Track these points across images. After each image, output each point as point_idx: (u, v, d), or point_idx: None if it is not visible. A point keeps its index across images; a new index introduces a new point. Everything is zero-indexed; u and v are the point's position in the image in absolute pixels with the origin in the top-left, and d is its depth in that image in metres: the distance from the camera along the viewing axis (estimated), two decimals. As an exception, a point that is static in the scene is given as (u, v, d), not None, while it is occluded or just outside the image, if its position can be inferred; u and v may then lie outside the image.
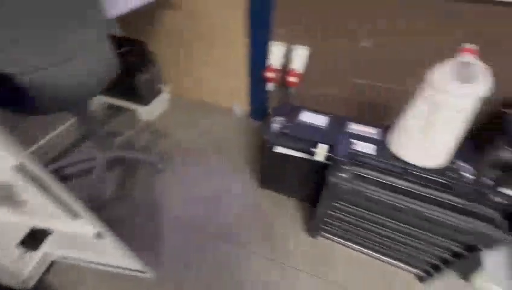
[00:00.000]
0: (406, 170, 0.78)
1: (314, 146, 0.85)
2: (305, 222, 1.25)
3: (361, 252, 1.14)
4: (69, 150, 1.57)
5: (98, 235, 0.70)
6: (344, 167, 0.80)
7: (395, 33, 1.17)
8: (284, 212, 1.30)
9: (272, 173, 1.24)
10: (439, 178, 0.74)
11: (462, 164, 0.91)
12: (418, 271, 1.06)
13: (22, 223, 0.79)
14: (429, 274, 1.01)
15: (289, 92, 1.50)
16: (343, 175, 0.82)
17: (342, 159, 0.76)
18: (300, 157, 0.98)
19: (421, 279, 1.05)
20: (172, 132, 1.73)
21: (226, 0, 1.36)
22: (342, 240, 1.15)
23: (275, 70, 1.40)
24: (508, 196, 0.69)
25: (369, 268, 1.11)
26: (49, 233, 0.83)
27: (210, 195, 1.36)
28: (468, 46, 0.78)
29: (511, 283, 1.00)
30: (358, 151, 0.93)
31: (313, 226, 1.15)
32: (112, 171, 1.46)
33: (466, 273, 1.06)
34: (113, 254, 0.93)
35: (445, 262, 0.92)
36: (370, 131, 1.06)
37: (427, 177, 0.77)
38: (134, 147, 1.60)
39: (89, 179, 1.35)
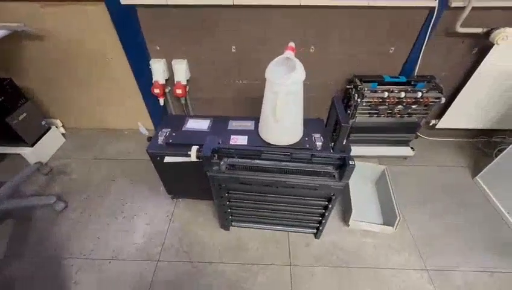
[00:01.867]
0: (266, 152, 0.94)
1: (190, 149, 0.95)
2: (218, 218, 1.35)
3: (266, 229, 1.29)
4: None
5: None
6: (214, 161, 0.92)
7: (254, 39, 1.37)
8: (199, 215, 1.37)
9: (174, 182, 1.30)
10: (293, 152, 0.92)
11: (315, 135, 1.14)
12: (312, 230, 1.26)
13: None
14: (318, 229, 1.22)
15: (181, 103, 1.58)
16: (216, 167, 0.93)
17: (209, 155, 0.88)
18: (187, 161, 1.07)
19: (315, 235, 1.26)
20: (73, 167, 1.62)
21: (94, 28, 1.36)
22: (249, 224, 1.29)
23: (161, 86, 1.46)
24: (338, 154, 0.91)
25: (275, 239, 1.27)
26: None
27: (123, 222, 1.34)
28: (290, 44, 0.98)
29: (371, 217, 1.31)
30: (231, 144, 1.07)
31: (222, 220, 1.26)
32: (1, 227, 1.30)
33: (345, 218, 1.33)
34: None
35: (323, 215, 1.13)
36: (246, 124, 1.22)
37: (282, 154, 0.94)
38: (24, 195, 1.44)
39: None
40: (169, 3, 1.21)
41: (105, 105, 1.76)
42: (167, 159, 1.11)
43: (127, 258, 1.20)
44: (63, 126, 1.83)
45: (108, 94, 1.69)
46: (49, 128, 1.67)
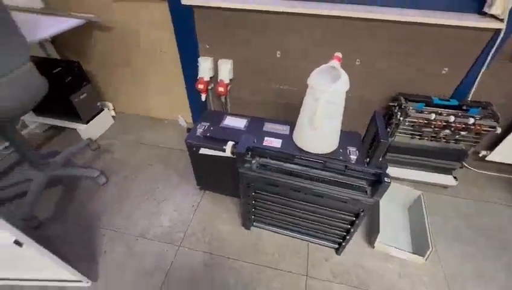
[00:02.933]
0: (300, 157, 0.94)
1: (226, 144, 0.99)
2: (240, 216, 1.37)
3: (286, 235, 1.28)
4: (4, 173, 1.55)
5: (17, 243, 0.75)
6: (247, 158, 0.94)
7: (299, 46, 1.39)
8: (223, 210, 1.41)
9: (204, 174, 1.36)
10: (327, 161, 0.92)
11: (350, 148, 1.12)
12: (334, 245, 1.23)
13: None
14: (341, 245, 1.18)
15: (221, 101, 1.65)
16: (248, 165, 0.96)
17: (243, 152, 0.91)
18: (220, 156, 1.12)
19: (337, 251, 1.22)
20: (117, 148, 1.78)
21: (154, 23, 1.49)
22: (270, 227, 1.29)
23: (205, 82, 1.54)
24: (373, 170, 0.88)
25: (294, 247, 1.25)
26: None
27: (153, 204, 1.43)
28: (336, 54, 0.98)
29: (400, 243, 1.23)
30: (265, 145, 1.10)
31: (245, 219, 1.28)
32: (50, 191, 1.46)
33: (370, 239, 1.26)
34: (44, 267, 0.96)
35: (348, 232, 1.10)
36: (281, 128, 1.23)
37: (316, 161, 0.94)
38: (74, 165, 1.61)
39: (23, 200, 1.34)
40: (223, 6, 1.28)
41: (152, 95, 1.90)
42: (202, 151, 1.16)
43: (152, 238, 1.27)
44: (113, 109, 2.02)
45: (155, 85, 1.83)
46: (102, 110, 1.85)
